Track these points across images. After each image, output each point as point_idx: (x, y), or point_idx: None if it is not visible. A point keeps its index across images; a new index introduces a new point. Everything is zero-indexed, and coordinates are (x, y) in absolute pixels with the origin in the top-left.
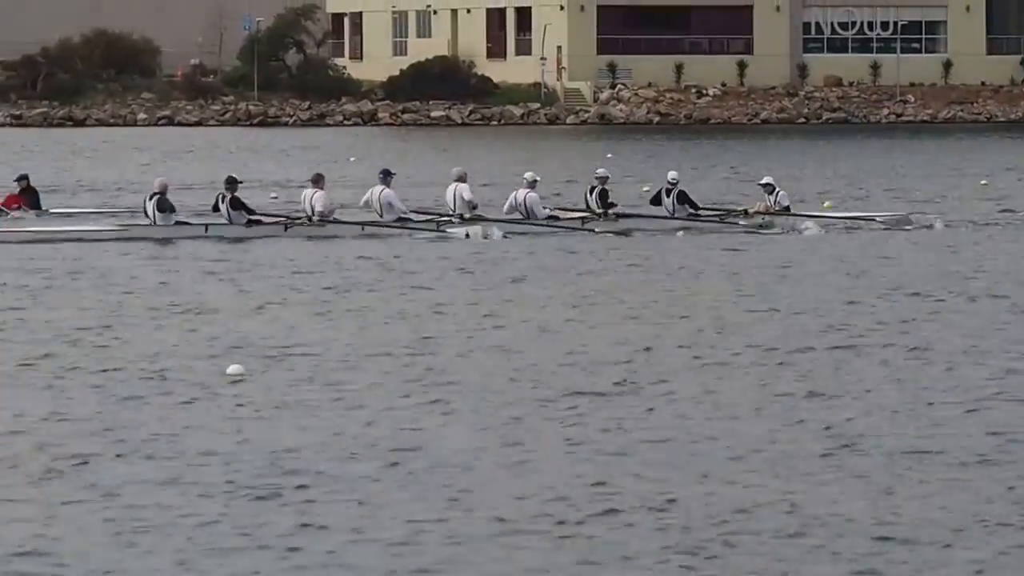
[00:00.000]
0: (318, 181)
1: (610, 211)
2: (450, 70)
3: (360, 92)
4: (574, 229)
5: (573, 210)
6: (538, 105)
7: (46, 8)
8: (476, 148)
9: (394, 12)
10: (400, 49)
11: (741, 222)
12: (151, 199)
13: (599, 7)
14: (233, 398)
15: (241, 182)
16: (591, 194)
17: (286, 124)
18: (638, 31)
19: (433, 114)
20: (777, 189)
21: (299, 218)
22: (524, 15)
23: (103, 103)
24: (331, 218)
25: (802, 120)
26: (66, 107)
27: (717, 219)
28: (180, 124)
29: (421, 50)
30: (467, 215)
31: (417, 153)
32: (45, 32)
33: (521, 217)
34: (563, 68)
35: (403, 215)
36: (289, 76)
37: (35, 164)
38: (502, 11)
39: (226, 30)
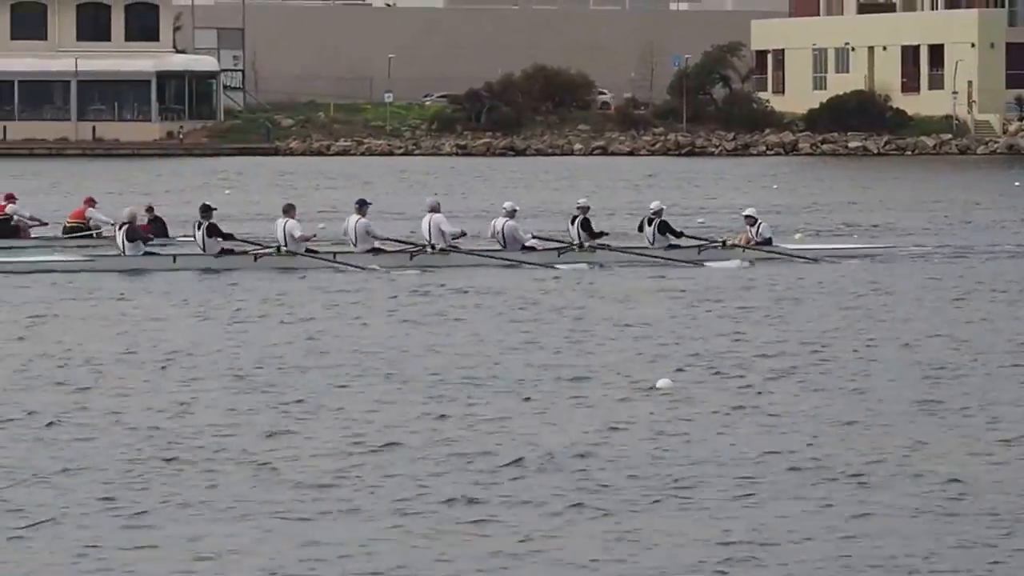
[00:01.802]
0: (289, 211)
1: (586, 243)
2: (867, 103)
3: (782, 124)
4: (540, 264)
5: (552, 239)
6: (950, 136)
7: (490, 46)
8: (890, 177)
9: (815, 49)
10: (820, 84)
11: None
12: (120, 229)
13: (1008, 44)
14: (668, 410)
15: (215, 209)
16: (572, 224)
17: (712, 154)
18: None
19: (850, 144)
20: (759, 221)
21: (269, 248)
22: (937, 52)
23: (542, 134)
24: (306, 245)
25: None
26: (508, 138)
27: (696, 250)
28: (613, 154)
29: (839, 84)
30: (440, 245)
31: (835, 181)
32: (489, 68)
33: (499, 246)
34: (973, 101)
35: (379, 245)
36: (715, 109)
37: (472, 188)
38: (916, 48)
39: (657, 66)
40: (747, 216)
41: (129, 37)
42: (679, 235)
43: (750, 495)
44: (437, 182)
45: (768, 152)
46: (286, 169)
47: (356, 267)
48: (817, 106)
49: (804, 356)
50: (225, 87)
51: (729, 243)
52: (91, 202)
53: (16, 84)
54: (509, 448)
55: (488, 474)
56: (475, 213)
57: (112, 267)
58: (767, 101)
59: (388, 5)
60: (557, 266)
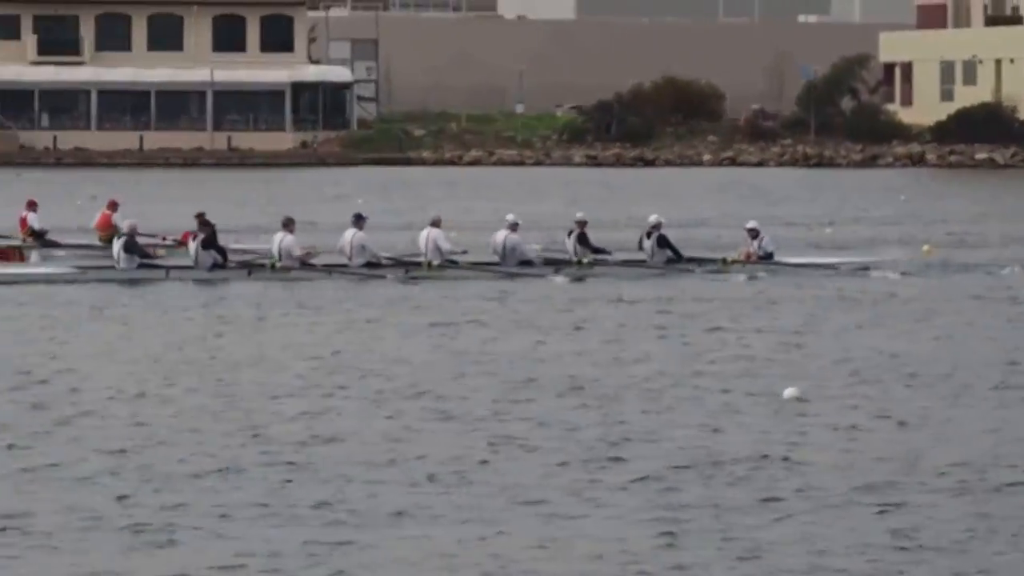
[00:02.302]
0: (288, 225)
1: (585, 259)
2: (994, 115)
3: (909, 136)
4: (534, 276)
5: (555, 252)
6: None
7: (620, 57)
8: (1013, 188)
9: (942, 62)
10: (947, 96)
11: (697, 270)
12: (119, 239)
13: None
14: (798, 418)
15: (214, 224)
16: (569, 237)
17: (840, 165)
18: None
19: (977, 156)
20: (762, 234)
21: (263, 263)
22: None
23: (671, 145)
24: (309, 261)
25: None
26: (638, 148)
27: (696, 264)
28: (741, 165)
29: (967, 97)
30: (436, 261)
31: (958, 192)
32: (619, 79)
33: (498, 259)
34: None
35: (374, 259)
36: (843, 120)
37: (603, 200)
38: None
39: (785, 78)
40: (750, 229)
41: (264, 48)
42: (678, 252)
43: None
44: (565, 192)
45: (895, 163)
46: (419, 179)
47: (359, 277)
48: (944, 118)
49: (933, 366)
50: (359, 97)
51: (729, 259)
52: (114, 207)
53: (153, 94)
54: (645, 454)
55: (625, 480)
56: (619, 225)
57: (106, 278)
58: (895, 113)
59: (519, 17)
60: (555, 279)
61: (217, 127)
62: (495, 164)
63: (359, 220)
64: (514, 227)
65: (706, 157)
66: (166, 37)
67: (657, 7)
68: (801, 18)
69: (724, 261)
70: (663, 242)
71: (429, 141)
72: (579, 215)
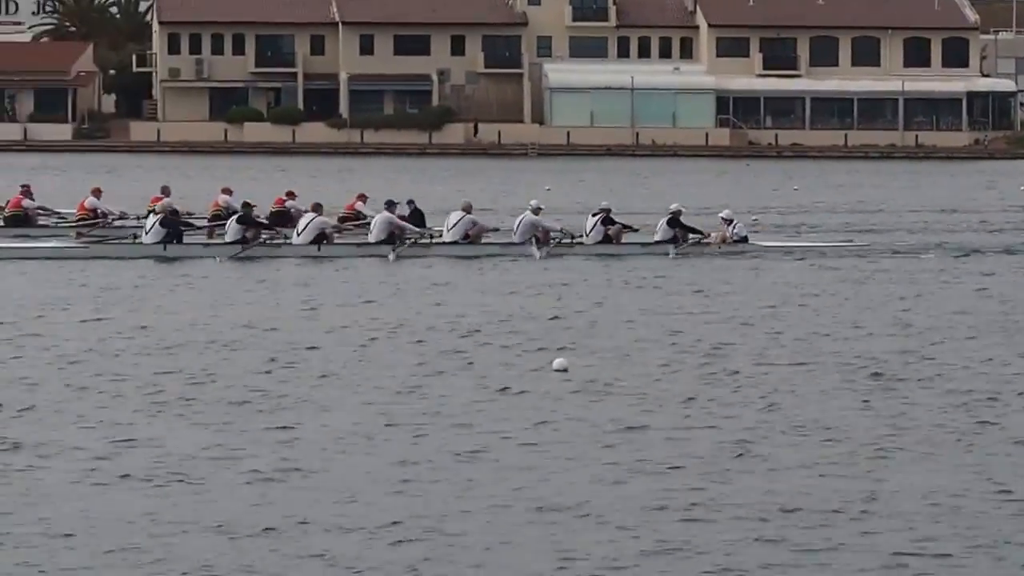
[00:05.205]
0: (317, 208)
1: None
2: None
3: None
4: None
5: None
6: None
7: None
8: None
9: None
10: None
11: (672, 250)
12: (154, 216)
13: None
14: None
15: (254, 206)
16: (592, 218)
17: None
18: None
19: None
20: (735, 221)
21: (279, 238)
22: None
23: None
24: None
25: None
26: None
27: (671, 245)
28: None
29: None
30: (435, 238)
31: None
32: None
33: (515, 239)
34: None
35: (397, 234)
36: None
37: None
38: None
39: None
40: (723, 217)
41: (945, 64)
42: (688, 229)
43: None
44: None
45: None
46: None
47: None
48: None
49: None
50: (1021, 104)
51: (703, 241)
52: (363, 198)
53: (855, 101)
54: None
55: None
56: None
57: (134, 254)
58: None
59: None
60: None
61: (906, 128)
62: None
63: (391, 206)
64: (536, 211)
65: None
66: (866, 55)
67: None
68: None
69: (699, 241)
70: (673, 223)
71: None
72: (604, 203)
